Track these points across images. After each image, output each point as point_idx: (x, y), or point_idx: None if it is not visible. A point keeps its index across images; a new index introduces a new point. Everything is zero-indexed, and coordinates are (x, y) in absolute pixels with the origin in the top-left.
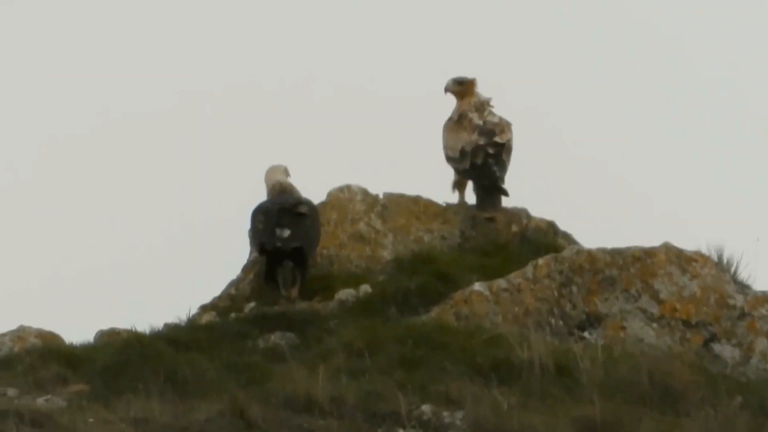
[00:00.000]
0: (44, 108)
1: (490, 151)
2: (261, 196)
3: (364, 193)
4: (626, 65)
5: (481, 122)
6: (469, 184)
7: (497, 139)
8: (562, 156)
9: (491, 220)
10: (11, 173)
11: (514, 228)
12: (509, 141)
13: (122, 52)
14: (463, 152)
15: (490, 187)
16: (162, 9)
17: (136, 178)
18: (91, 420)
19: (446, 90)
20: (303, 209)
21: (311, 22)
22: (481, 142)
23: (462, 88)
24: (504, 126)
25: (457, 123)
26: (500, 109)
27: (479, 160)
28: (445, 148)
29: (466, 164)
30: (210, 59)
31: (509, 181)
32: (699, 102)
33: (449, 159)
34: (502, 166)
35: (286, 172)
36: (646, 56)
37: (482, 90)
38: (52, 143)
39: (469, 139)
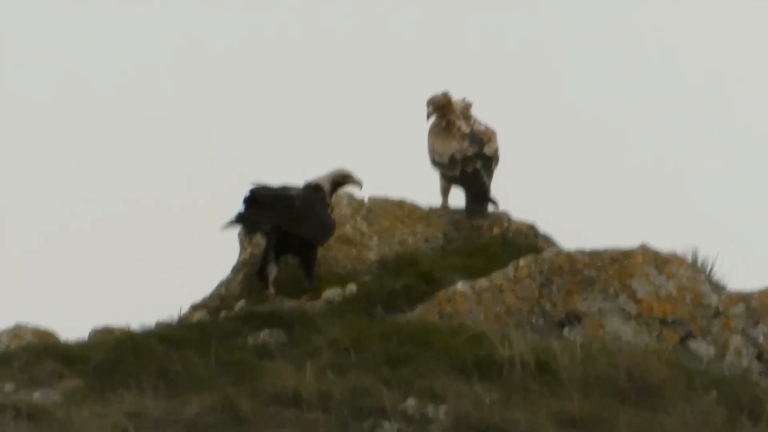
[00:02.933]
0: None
1: (478, 164)
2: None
3: (350, 197)
4: (607, 66)
5: (468, 130)
6: (454, 189)
7: (485, 150)
8: (541, 157)
9: (478, 227)
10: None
11: (496, 230)
12: (496, 150)
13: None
14: (452, 159)
15: (479, 195)
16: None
17: (130, 178)
18: (85, 414)
19: (428, 117)
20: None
21: (303, 23)
22: (470, 152)
23: (443, 110)
24: (491, 135)
25: (445, 130)
26: (476, 109)
27: (469, 169)
28: (432, 152)
29: (456, 172)
30: (207, 56)
31: (494, 185)
32: (679, 103)
33: (436, 164)
34: (491, 175)
35: (332, 174)
36: (629, 59)
37: (455, 94)
38: (45, 141)
39: (459, 147)
